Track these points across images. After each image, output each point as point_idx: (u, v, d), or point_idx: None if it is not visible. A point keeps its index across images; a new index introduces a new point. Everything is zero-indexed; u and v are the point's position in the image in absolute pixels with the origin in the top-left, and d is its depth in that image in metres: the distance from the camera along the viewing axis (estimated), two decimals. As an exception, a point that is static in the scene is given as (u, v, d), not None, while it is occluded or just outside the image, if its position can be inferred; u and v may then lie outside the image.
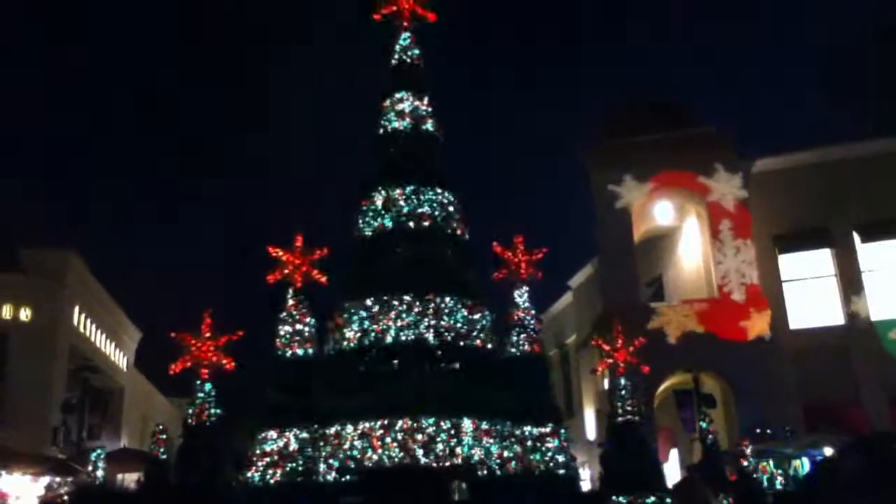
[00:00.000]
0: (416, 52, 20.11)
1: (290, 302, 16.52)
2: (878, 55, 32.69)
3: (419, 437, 14.79)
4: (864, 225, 25.00)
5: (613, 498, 14.62)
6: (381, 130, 19.46)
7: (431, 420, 14.93)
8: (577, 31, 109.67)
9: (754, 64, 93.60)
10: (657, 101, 28.56)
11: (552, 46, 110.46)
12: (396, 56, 20.05)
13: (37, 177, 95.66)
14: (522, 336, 17.12)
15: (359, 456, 14.91)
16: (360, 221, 18.52)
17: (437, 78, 20.12)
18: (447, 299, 16.91)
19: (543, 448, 16.08)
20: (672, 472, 23.79)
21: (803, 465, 18.97)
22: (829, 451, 17.45)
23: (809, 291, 25.56)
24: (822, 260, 25.70)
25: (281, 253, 16.56)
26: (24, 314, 30.36)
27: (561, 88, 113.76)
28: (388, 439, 14.87)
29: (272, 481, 14.96)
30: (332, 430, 15.36)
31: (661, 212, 27.84)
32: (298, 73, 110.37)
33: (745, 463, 18.47)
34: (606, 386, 22.08)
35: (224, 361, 15.68)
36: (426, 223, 17.85)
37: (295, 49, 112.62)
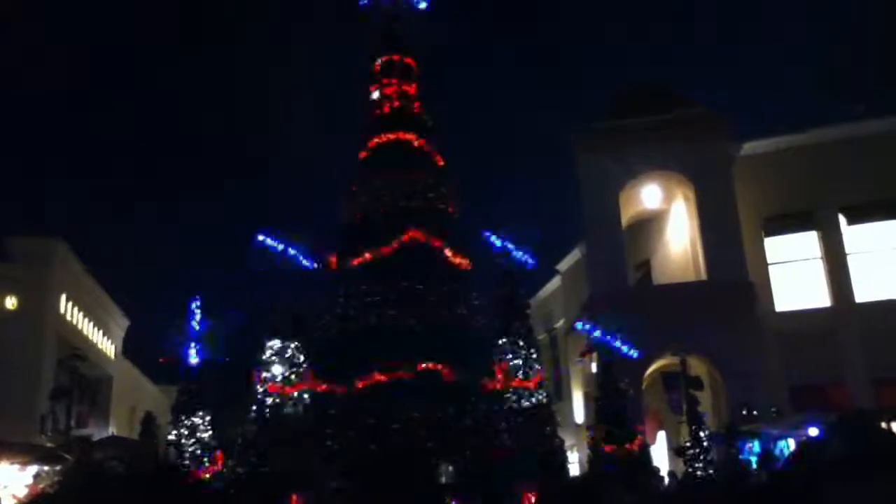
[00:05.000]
0: (400, 35, 20.06)
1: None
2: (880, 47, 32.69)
3: (408, 420, 14.84)
4: (850, 207, 25.11)
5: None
6: (370, 113, 19.46)
7: (419, 403, 14.98)
8: (579, 30, 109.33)
9: (753, 62, 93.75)
10: (647, 85, 28.51)
11: (553, 46, 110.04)
12: (384, 41, 19.98)
13: (35, 173, 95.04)
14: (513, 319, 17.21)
15: (348, 440, 14.96)
16: (350, 204, 18.50)
17: (429, 65, 20.05)
18: (436, 282, 16.94)
19: (533, 431, 16.17)
20: (659, 453, 24.00)
21: (787, 446, 19.14)
22: (814, 431, 17.61)
23: (796, 273, 25.70)
24: (808, 242, 25.83)
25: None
26: (10, 303, 30.18)
27: (560, 89, 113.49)
28: (378, 423, 14.91)
29: (263, 466, 15.00)
30: (323, 415, 15.40)
31: (649, 195, 27.87)
32: (298, 71, 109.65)
33: (732, 444, 18.65)
34: (594, 369, 22.21)
35: (214, 349, 15.69)
36: (415, 205, 17.84)
37: (295, 48, 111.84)
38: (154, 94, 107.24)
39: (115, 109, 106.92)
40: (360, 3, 19.96)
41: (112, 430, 37.96)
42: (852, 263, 25.11)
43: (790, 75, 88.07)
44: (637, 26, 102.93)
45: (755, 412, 22.22)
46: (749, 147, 26.17)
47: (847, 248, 25.21)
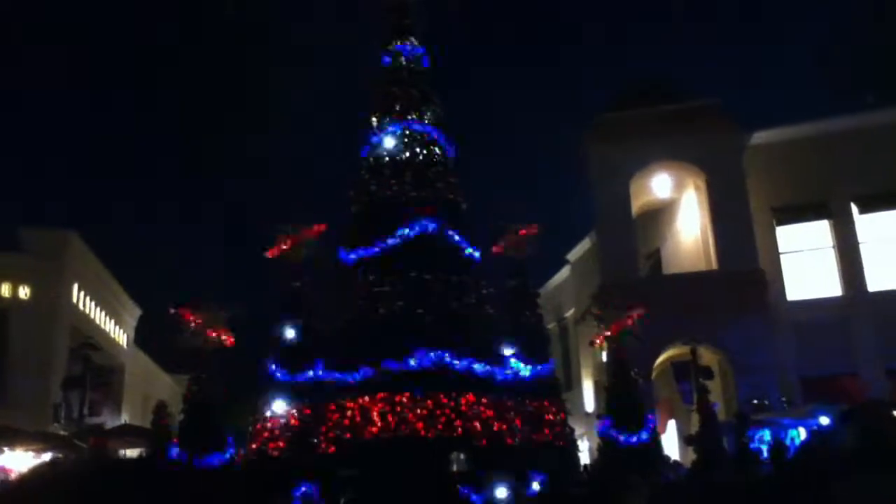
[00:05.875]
0: (410, 24, 20.06)
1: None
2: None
3: (419, 410, 14.88)
4: (862, 196, 24.94)
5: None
6: (379, 102, 19.55)
7: (431, 393, 15.01)
8: (578, 30, 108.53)
9: (752, 62, 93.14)
10: (655, 79, 28.42)
11: (552, 46, 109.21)
12: (394, 30, 19.99)
13: (40, 170, 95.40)
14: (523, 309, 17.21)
15: (358, 429, 15.01)
16: (356, 197, 18.52)
17: (430, 64, 20.01)
18: (446, 273, 16.95)
19: (543, 420, 16.18)
20: (670, 442, 23.98)
21: (798, 435, 19.09)
22: (825, 420, 17.56)
23: (808, 263, 25.56)
24: (820, 231, 25.68)
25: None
26: (24, 293, 30.43)
27: (561, 88, 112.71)
28: (388, 412, 14.96)
29: (272, 455, 15.07)
30: (332, 404, 15.45)
31: (659, 185, 27.75)
32: (298, 71, 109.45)
33: (743, 433, 18.57)
34: (605, 358, 22.19)
35: (224, 337, 15.72)
36: (425, 194, 17.85)
37: (295, 48, 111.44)
38: (154, 94, 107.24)
39: (115, 109, 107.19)
40: None
41: (125, 418, 38.27)
42: (865, 252, 24.95)
43: (790, 75, 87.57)
44: (637, 26, 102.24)
45: (766, 402, 22.15)
46: (760, 137, 26.01)
47: (860, 237, 25.06)
